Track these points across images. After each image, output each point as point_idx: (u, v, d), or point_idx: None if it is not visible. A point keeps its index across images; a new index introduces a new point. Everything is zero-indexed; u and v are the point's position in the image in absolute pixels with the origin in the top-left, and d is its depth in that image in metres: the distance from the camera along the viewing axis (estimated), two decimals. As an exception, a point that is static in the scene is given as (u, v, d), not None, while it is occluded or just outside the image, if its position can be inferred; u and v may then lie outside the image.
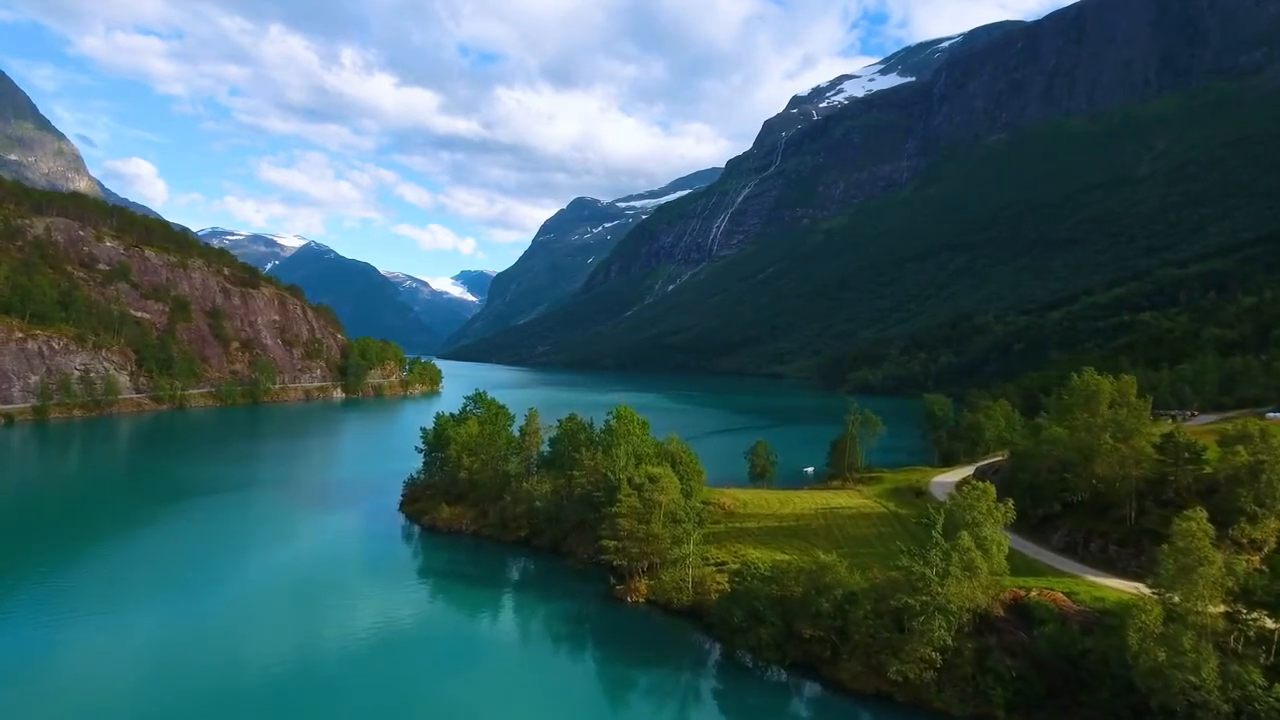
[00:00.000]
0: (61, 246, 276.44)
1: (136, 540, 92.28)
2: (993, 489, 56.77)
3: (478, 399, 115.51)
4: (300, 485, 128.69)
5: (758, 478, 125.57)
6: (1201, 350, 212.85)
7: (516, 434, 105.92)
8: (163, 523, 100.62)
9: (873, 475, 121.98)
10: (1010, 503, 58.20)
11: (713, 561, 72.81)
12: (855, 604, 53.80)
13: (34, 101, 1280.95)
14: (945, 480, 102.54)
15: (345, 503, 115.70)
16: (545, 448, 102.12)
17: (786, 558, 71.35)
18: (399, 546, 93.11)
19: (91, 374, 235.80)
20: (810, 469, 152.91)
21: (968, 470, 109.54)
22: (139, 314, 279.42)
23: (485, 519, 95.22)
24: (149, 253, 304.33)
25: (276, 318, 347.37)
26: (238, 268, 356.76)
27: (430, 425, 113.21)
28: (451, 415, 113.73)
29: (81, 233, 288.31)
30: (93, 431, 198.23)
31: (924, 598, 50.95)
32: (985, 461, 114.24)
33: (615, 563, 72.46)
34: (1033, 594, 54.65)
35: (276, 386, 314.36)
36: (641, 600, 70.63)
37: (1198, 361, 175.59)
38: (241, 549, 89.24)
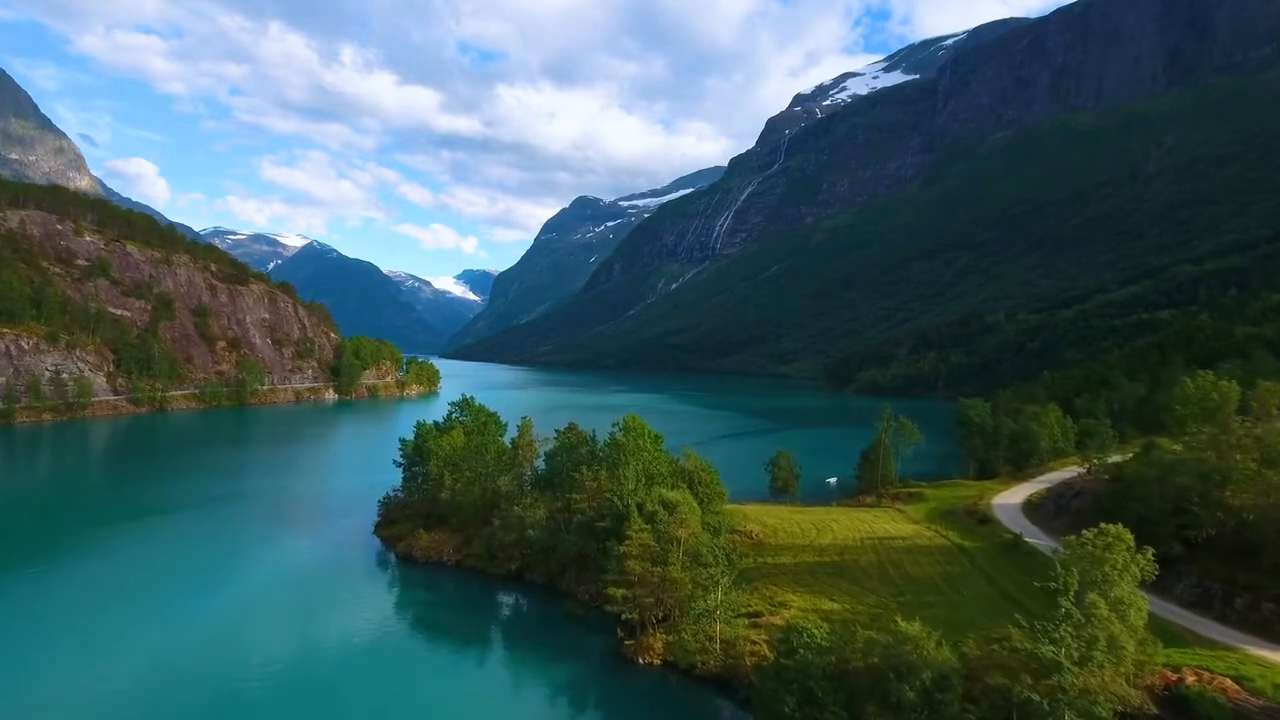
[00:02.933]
0: (37, 241, 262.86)
1: (57, 574, 78.64)
2: (1128, 535, 43.25)
3: (464, 405, 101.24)
4: (266, 501, 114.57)
5: (780, 492, 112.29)
6: (1243, 349, 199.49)
7: (509, 445, 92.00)
8: (94, 550, 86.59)
9: (911, 491, 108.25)
10: (1150, 553, 44.47)
11: (743, 611, 58.74)
12: (948, 690, 40.17)
13: (35, 101, 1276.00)
14: (1008, 503, 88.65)
15: (313, 523, 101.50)
16: (540, 462, 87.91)
17: (836, 606, 57.88)
18: (367, 582, 78.49)
19: (64, 375, 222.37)
20: (833, 479, 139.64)
21: (1028, 488, 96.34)
22: (119, 312, 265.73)
23: (470, 547, 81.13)
24: (131, 248, 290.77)
25: (266, 316, 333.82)
26: (226, 264, 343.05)
27: (412, 434, 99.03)
28: (435, 423, 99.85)
29: (59, 226, 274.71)
30: (58, 437, 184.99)
31: (1051, 682, 37.50)
32: (1054, 477, 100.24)
33: (625, 616, 58.31)
34: (1188, 679, 41.10)
35: (265, 388, 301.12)
36: (657, 661, 56.28)
37: (1252, 361, 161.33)
38: (179, 584, 75.40)
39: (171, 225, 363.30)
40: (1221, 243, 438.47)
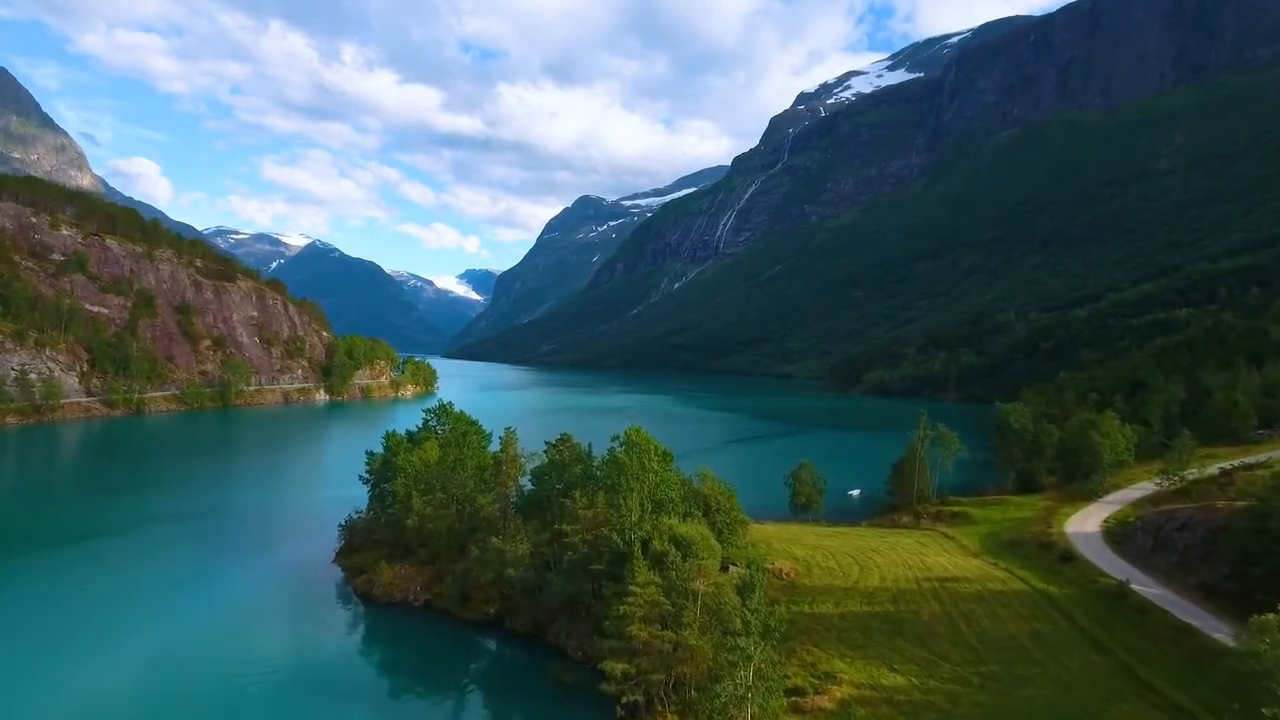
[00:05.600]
0: (9, 234, 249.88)
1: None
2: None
3: (442, 412, 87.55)
4: (222, 519, 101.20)
5: (802, 509, 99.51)
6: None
7: (492, 459, 78.19)
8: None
9: (953, 509, 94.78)
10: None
11: (778, 680, 45.09)
12: None
13: (36, 99, 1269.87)
14: (1082, 530, 74.51)
15: (269, 548, 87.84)
16: (527, 480, 74.17)
17: (900, 681, 44.78)
18: (316, 627, 64.49)
19: (31, 375, 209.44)
20: (856, 492, 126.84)
21: (1098, 510, 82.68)
22: (96, 309, 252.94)
23: (441, 584, 67.59)
24: (110, 242, 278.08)
25: (254, 314, 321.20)
26: (212, 260, 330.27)
27: (381, 445, 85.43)
28: (409, 433, 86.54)
29: (34, 219, 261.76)
30: (17, 441, 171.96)
31: None
32: (1123, 496, 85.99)
33: (626, 699, 44.77)
34: None
35: (251, 388, 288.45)
36: (669, 755, 43.20)
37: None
38: (93, 623, 62.33)
39: (156, 220, 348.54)
40: (1234, 241, 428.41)
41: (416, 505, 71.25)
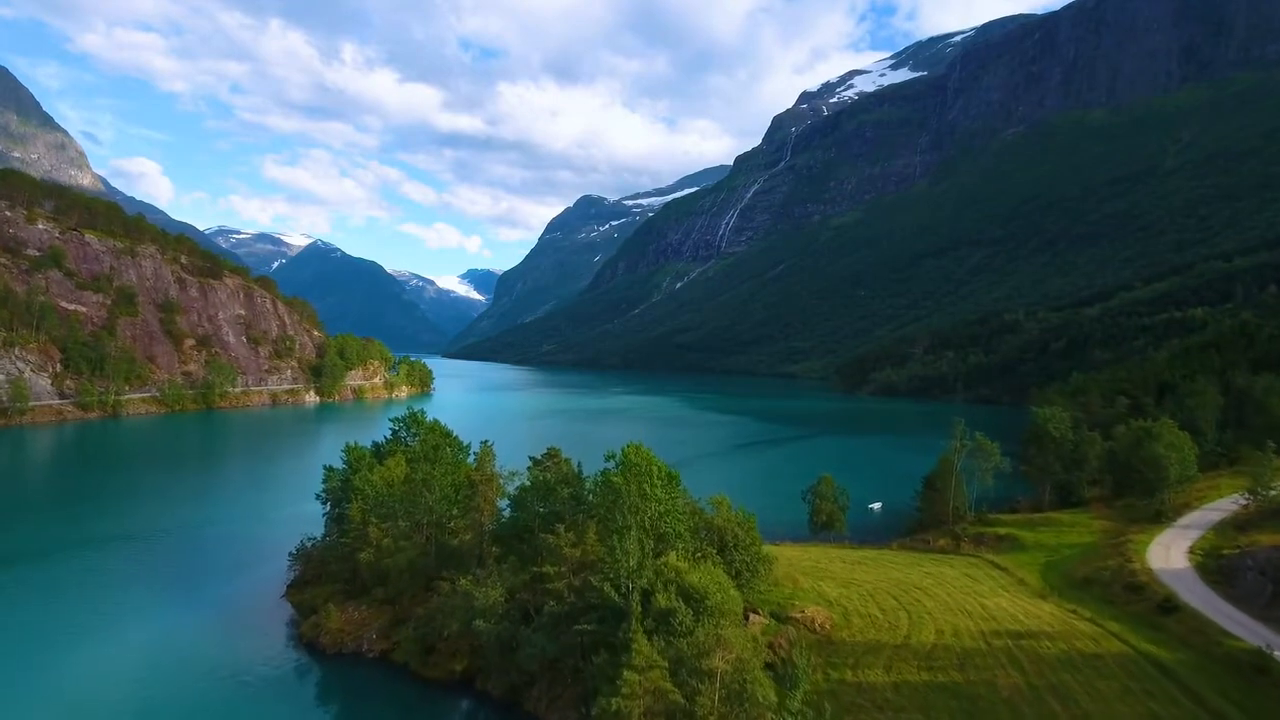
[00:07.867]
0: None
1: None
2: None
3: (413, 421, 75.80)
4: (172, 540, 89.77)
5: (823, 528, 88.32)
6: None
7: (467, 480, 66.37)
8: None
9: (997, 531, 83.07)
10: None
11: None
12: None
13: (38, 99, 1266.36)
14: (1170, 567, 61.83)
15: (217, 576, 75.73)
16: (505, 505, 62.33)
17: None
18: (249, 682, 52.26)
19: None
20: (877, 505, 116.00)
21: (1179, 537, 70.45)
22: (72, 306, 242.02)
23: (400, 632, 56.14)
24: (90, 237, 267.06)
25: (241, 312, 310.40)
26: (197, 256, 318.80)
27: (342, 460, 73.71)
28: (375, 446, 74.99)
29: (9, 213, 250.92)
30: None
31: None
32: (1201, 518, 74.44)
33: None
34: None
35: (237, 389, 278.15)
36: None
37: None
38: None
39: (142, 215, 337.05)
40: (1248, 239, 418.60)
41: (373, 535, 59.65)
